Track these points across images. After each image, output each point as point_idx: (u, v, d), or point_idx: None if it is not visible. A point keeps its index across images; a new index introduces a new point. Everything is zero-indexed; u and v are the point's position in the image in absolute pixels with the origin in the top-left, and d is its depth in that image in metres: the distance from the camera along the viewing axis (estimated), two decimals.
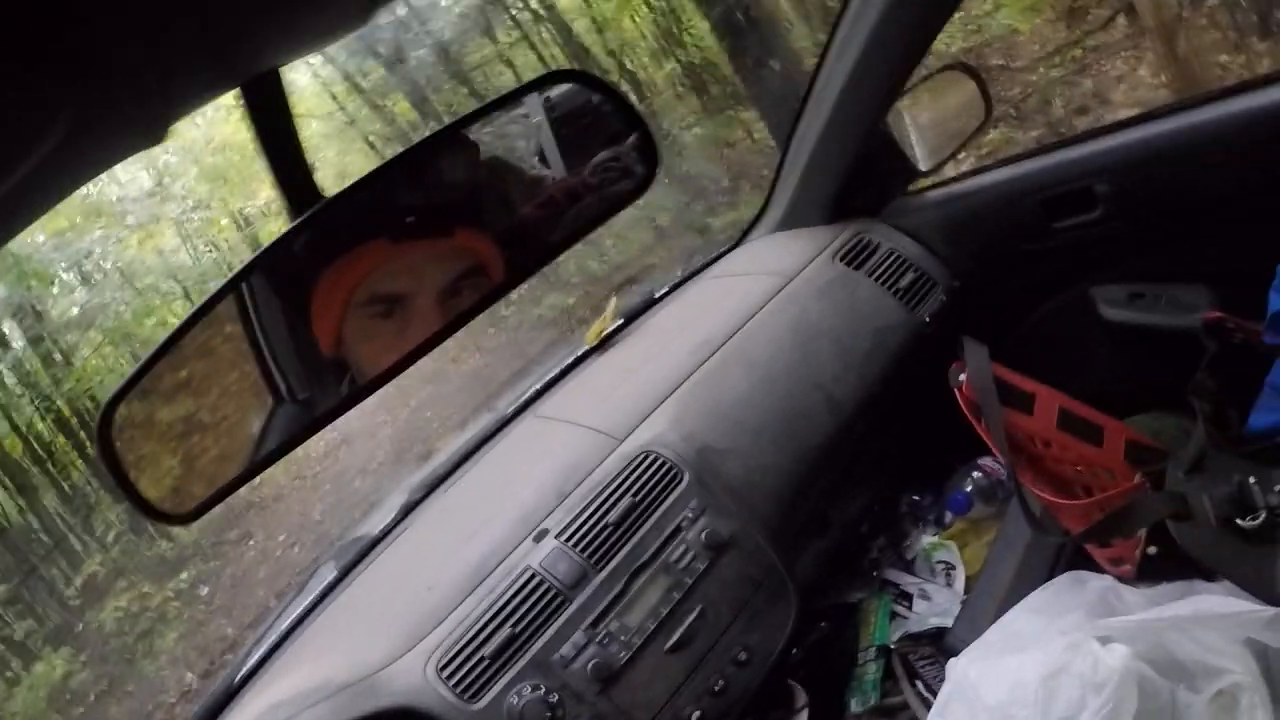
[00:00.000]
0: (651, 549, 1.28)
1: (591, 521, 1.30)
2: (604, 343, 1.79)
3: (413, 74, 9.41)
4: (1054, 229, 1.57)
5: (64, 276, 10.95)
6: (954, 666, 1.22)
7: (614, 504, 1.31)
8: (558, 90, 1.01)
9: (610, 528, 1.29)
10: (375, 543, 1.58)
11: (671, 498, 1.33)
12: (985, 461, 1.64)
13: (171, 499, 0.78)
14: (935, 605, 1.54)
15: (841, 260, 1.66)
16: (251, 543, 8.58)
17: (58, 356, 10.29)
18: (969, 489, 1.62)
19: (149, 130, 0.45)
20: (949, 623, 1.48)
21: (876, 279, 1.64)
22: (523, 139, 0.99)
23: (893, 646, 1.50)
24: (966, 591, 1.53)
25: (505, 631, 1.20)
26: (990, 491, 1.62)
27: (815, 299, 1.59)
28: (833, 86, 1.56)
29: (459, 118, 0.83)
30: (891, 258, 1.67)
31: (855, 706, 1.47)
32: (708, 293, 1.81)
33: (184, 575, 8.42)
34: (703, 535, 1.30)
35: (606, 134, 0.97)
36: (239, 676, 1.44)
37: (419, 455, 7.09)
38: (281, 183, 0.67)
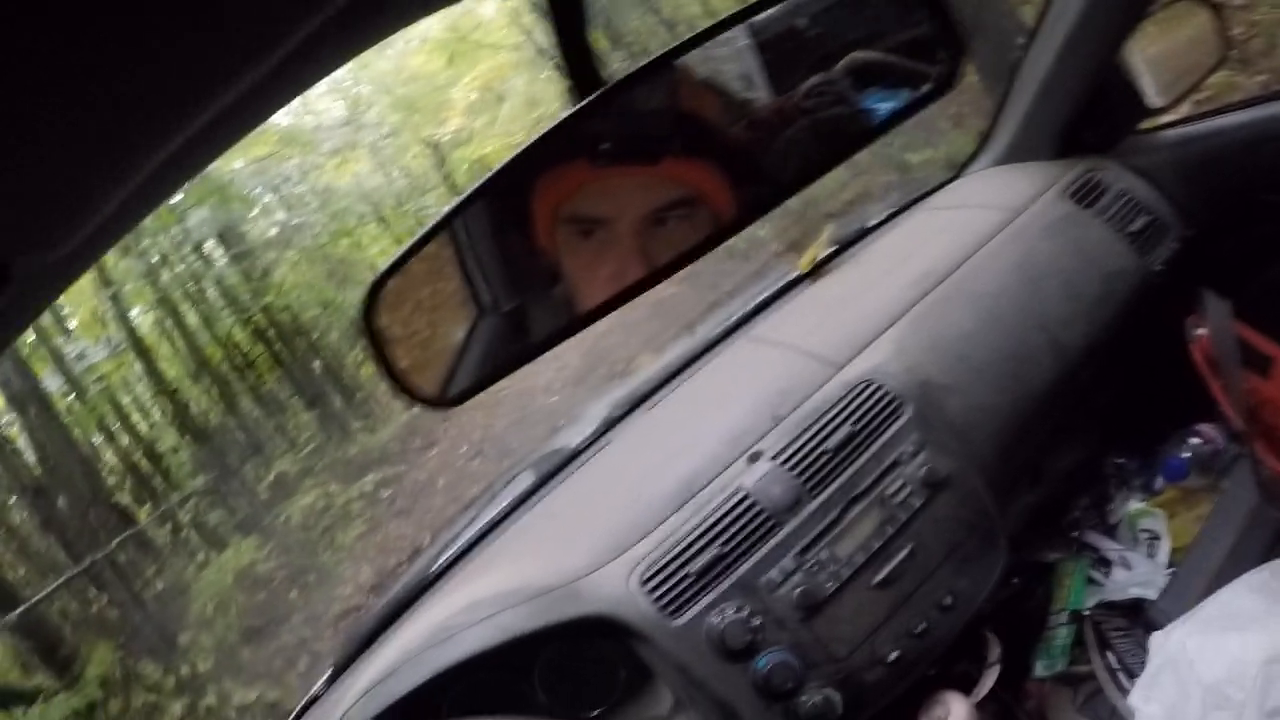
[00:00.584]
0: (868, 480, 1.24)
1: (808, 447, 1.27)
2: (817, 269, 1.75)
3: (604, 2, 9.40)
4: None
5: (264, 200, 11.63)
6: (1167, 637, 1.16)
7: (832, 431, 1.28)
8: (763, 15, 0.98)
9: (827, 455, 1.25)
10: (575, 454, 1.59)
11: (892, 430, 1.28)
12: (1204, 428, 1.54)
13: (429, 384, 0.81)
14: (1136, 575, 1.45)
15: (1071, 198, 1.55)
16: (435, 451, 8.96)
17: (257, 274, 10.98)
18: (1187, 455, 1.52)
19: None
20: (1149, 594, 1.41)
21: (1107, 220, 1.52)
22: (728, 63, 0.96)
23: (1086, 613, 1.44)
24: (1171, 565, 1.44)
25: (713, 550, 1.18)
26: (1208, 461, 1.52)
27: (1043, 237, 1.50)
28: (1067, 15, 1.45)
29: (711, 26, 0.80)
30: (1123, 199, 1.55)
31: (1040, 670, 1.42)
32: (927, 225, 1.73)
33: (368, 478, 8.86)
34: (921, 471, 1.25)
35: (814, 58, 0.94)
36: (432, 572, 1.49)
37: (602, 378, 7.19)
38: (569, 66, 0.68)
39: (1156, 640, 1.18)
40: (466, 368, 0.82)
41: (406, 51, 12.94)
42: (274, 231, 11.39)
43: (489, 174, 0.76)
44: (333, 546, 7.80)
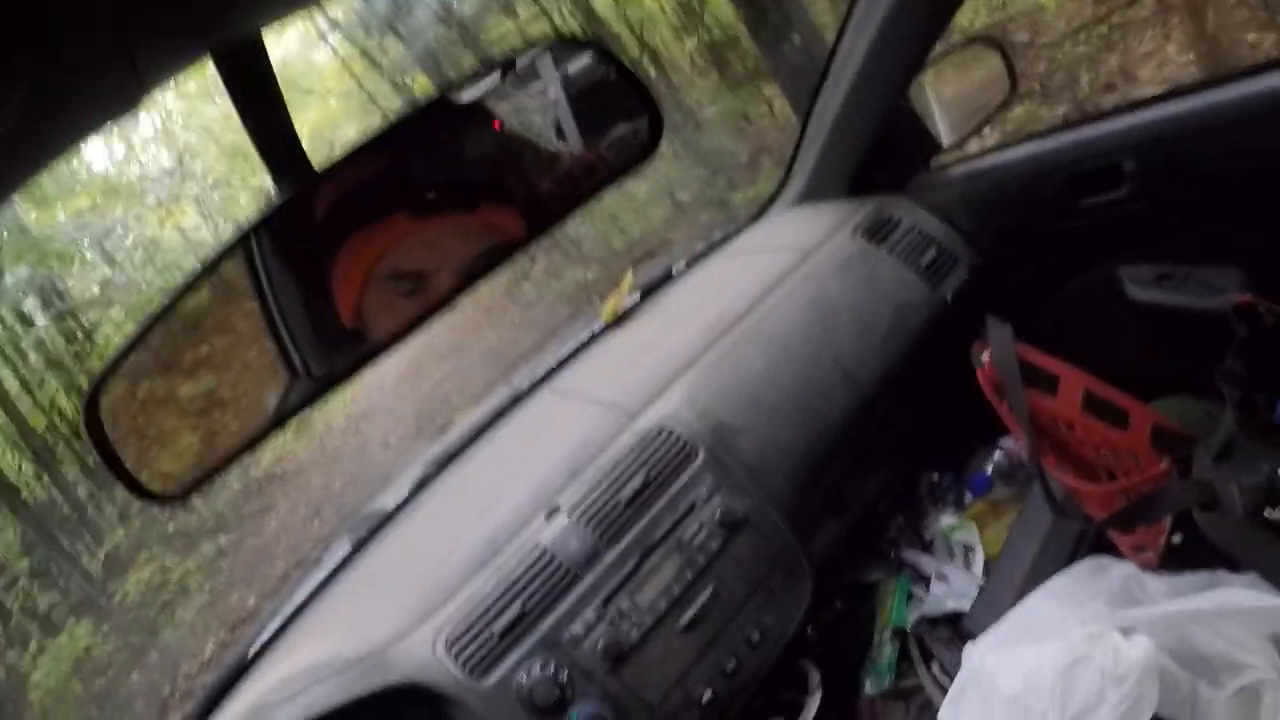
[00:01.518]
0: (665, 527, 1.26)
1: (604, 498, 1.28)
2: (620, 319, 1.77)
3: (432, 50, 9.38)
4: (1081, 207, 1.53)
5: (86, 255, 11.04)
6: (970, 653, 1.20)
7: (627, 481, 1.29)
8: (575, 66, 0.99)
9: (623, 505, 1.27)
10: (389, 517, 1.57)
11: (685, 475, 1.31)
12: (1007, 442, 1.61)
13: (160, 479, 0.76)
14: (953, 588, 1.50)
15: (862, 236, 1.62)
16: (273, 515, 8.69)
17: (80, 334, 10.39)
18: (989, 470, 1.59)
19: (118, 99, 0.43)
20: (967, 606, 1.45)
21: (898, 255, 1.60)
22: (540, 114, 0.97)
23: (909, 629, 1.48)
24: (985, 574, 1.50)
25: (515, 608, 1.18)
26: (1011, 473, 1.59)
27: (835, 275, 1.56)
28: (854, 58, 1.52)
29: (457, 80, 0.80)
30: (913, 233, 1.63)
31: (870, 689, 1.45)
32: (725, 268, 1.78)
33: (205, 548, 8.55)
34: (717, 513, 1.27)
35: (622, 108, 0.95)
36: (253, 649, 1.44)
37: (439, 428, 7.11)
38: (263, 151, 0.65)
39: (965, 653, 1.23)
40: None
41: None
42: (97, 289, 10.76)
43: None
44: (173, 622, 7.49)
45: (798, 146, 1.76)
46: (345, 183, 0.74)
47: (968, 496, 1.62)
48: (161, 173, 11.74)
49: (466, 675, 1.14)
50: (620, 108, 0.95)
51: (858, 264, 1.58)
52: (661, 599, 1.22)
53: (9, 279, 9.22)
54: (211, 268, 0.75)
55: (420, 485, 1.60)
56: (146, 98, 0.42)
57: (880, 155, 1.68)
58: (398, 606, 1.26)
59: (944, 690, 1.39)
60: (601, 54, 0.97)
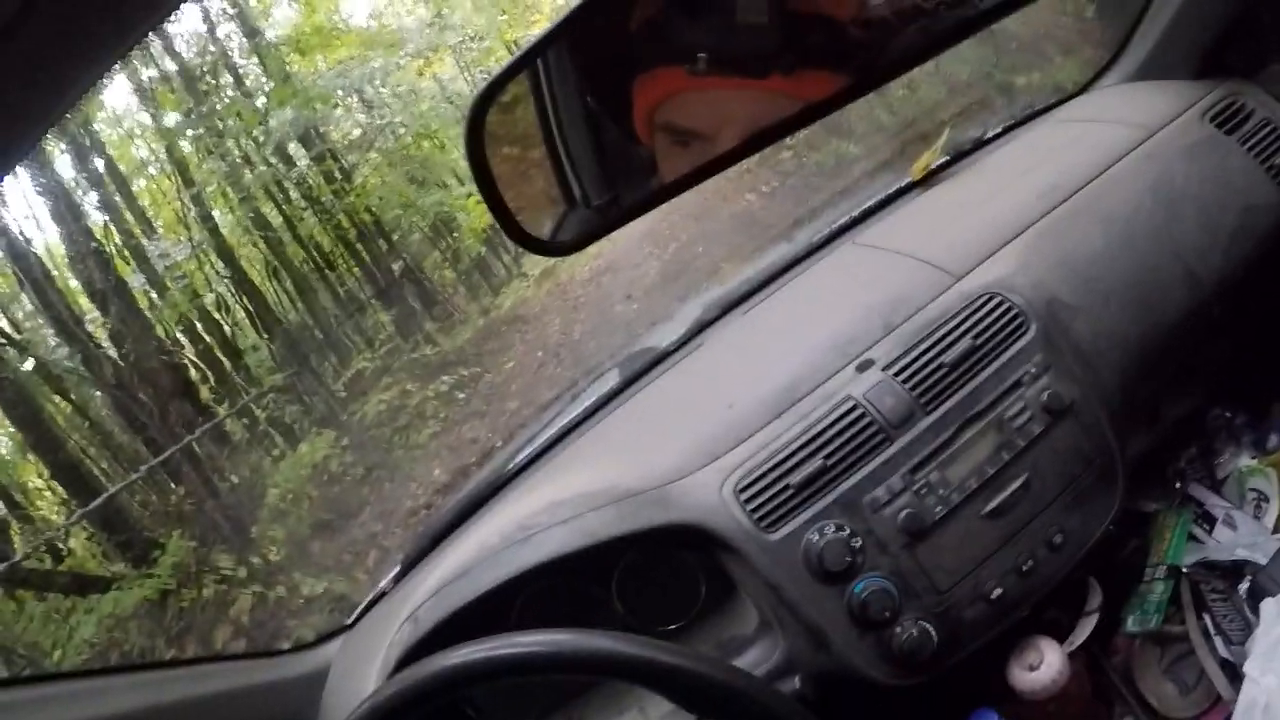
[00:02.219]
0: (987, 400, 1.16)
1: (924, 358, 1.19)
2: (930, 177, 1.65)
3: None
4: None
5: (346, 101, 11.67)
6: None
7: (951, 343, 1.19)
8: None
9: (945, 368, 1.17)
10: (665, 355, 1.53)
11: (1015, 347, 1.20)
12: None
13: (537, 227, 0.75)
14: (1241, 536, 1.37)
15: (1211, 122, 1.43)
16: (510, 355, 9.00)
17: (338, 175, 11.07)
18: None
19: None
20: (1255, 558, 1.31)
21: (1249, 149, 1.41)
22: None
23: (1185, 570, 1.35)
24: (1278, 530, 1.35)
25: (816, 462, 1.12)
26: None
27: (1180, 160, 1.39)
28: None
29: None
30: (1267, 129, 1.43)
31: (1132, 625, 1.34)
32: (1053, 137, 1.61)
33: (444, 379, 8.92)
34: (1044, 395, 1.16)
35: None
36: (510, 468, 1.46)
37: (684, 287, 7.11)
38: None
39: (1273, 608, 1.11)
40: (572, 219, 0.77)
41: None
42: (356, 133, 11.42)
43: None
44: (406, 445, 7.91)
45: (1137, 18, 1.58)
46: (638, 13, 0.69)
47: (1272, 440, 1.46)
48: (419, 24, 12.16)
49: (754, 525, 1.10)
50: None
51: (1206, 152, 1.40)
52: (972, 478, 1.13)
53: (273, 121, 9.86)
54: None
55: (701, 326, 1.55)
56: None
57: (1237, 36, 1.48)
58: (683, 444, 1.22)
59: (1209, 643, 1.28)
60: None
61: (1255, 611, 1.18)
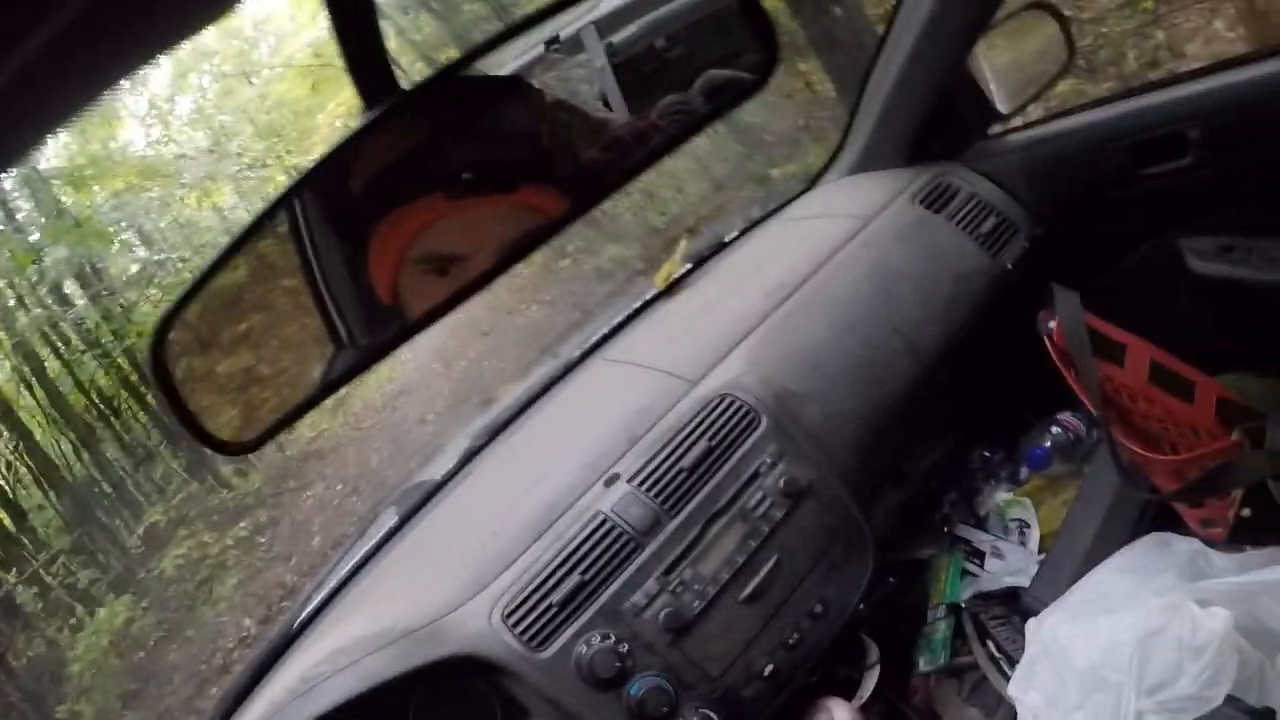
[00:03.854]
0: (728, 495, 1.23)
1: (665, 465, 1.25)
2: (672, 287, 1.74)
3: (466, 26, 9.35)
4: (1142, 175, 1.48)
5: (124, 236, 11.16)
6: (1040, 626, 1.17)
7: (689, 448, 1.26)
8: (620, 35, 0.97)
9: (685, 472, 1.24)
10: (438, 488, 1.55)
11: (749, 442, 1.28)
12: (1064, 417, 1.58)
13: (228, 429, 0.75)
14: (1009, 564, 1.48)
15: (921, 203, 1.59)
16: (310, 492, 8.74)
17: (118, 314, 10.52)
18: (1048, 444, 1.56)
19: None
20: (1023, 582, 1.43)
21: (957, 223, 1.56)
22: (585, 84, 0.95)
23: (963, 605, 1.45)
24: (1041, 550, 1.47)
25: (574, 578, 1.16)
26: (1069, 448, 1.56)
27: (895, 242, 1.53)
28: (914, 23, 1.49)
29: (497, 32, 0.77)
30: (972, 202, 1.60)
31: (924, 665, 1.43)
32: (781, 236, 1.75)
33: (243, 524, 8.61)
34: (780, 481, 1.25)
35: (670, 78, 0.93)
36: (298, 622, 1.43)
37: (476, 405, 7.12)
38: (354, 74, 0.63)
39: (1030, 628, 1.20)
40: (267, 407, 0.76)
41: (270, 78, 12.58)
42: (135, 269, 10.89)
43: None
44: (211, 599, 7.56)
45: (853, 114, 1.73)
46: (381, 158, 0.72)
47: (1023, 472, 1.59)
48: (198, 152, 11.84)
49: (525, 646, 1.13)
50: (671, 78, 0.93)
51: (917, 232, 1.55)
52: (724, 569, 1.19)
53: (47, 260, 9.33)
54: (275, 208, 0.73)
55: (469, 456, 1.58)
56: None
57: (938, 123, 1.65)
58: (452, 577, 1.24)
59: (998, 667, 1.37)
60: None
61: None
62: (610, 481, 1.27)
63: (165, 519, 9.32)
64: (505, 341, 7.71)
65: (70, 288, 10.23)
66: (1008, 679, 1.34)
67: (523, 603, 1.16)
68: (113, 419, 10.29)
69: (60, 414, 9.83)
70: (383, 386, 9.85)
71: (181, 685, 6.30)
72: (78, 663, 7.22)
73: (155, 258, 11.18)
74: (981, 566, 1.50)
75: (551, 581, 1.16)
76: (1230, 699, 0.97)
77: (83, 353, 10.29)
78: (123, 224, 10.94)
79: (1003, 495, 1.57)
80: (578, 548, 1.19)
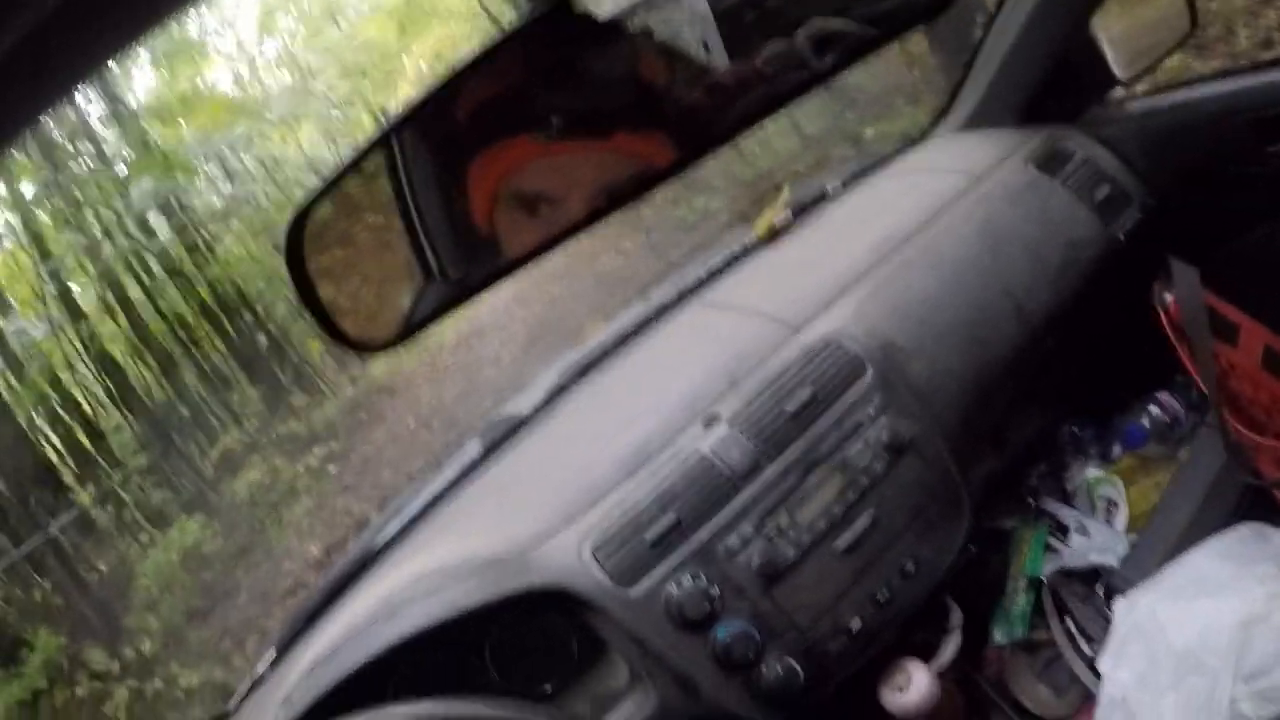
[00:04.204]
0: (829, 444, 1.22)
1: (767, 409, 1.24)
2: (774, 234, 1.71)
3: None
4: (1266, 153, 1.42)
5: (209, 170, 11.40)
6: (1134, 603, 1.15)
7: (791, 394, 1.24)
8: None
9: (787, 417, 1.22)
10: (524, 422, 1.55)
11: (853, 392, 1.25)
12: (1163, 397, 1.54)
13: (360, 326, 0.76)
14: (1094, 542, 1.44)
15: (1035, 165, 1.54)
16: (382, 425, 8.88)
17: (201, 246, 10.76)
18: (1146, 423, 1.52)
19: None
20: (1108, 561, 1.40)
21: (1071, 188, 1.52)
22: (687, 28, 0.93)
23: (1044, 579, 1.43)
24: (1129, 532, 1.44)
25: (669, 517, 1.15)
26: (1166, 430, 1.53)
27: (1007, 203, 1.49)
28: None
29: None
30: (1087, 167, 1.55)
31: (1000, 637, 1.41)
32: (888, 189, 1.72)
33: (314, 453, 8.75)
34: (883, 435, 1.23)
35: (773, 26, 0.90)
36: (376, 546, 1.44)
37: (552, 348, 7.13)
38: None
39: (1122, 607, 1.18)
40: (401, 309, 0.78)
41: (358, 19, 12.69)
42: (218, 203, 11.15)
43: (425, 101, 0.71)
44: (279, 523, 7.69)
45: (966, 70, 1.69)
46: (480, 93, 0.71)
47: (1115, 450, 1.56)
48: (284, 91, 12.02)
49: (613, 583, 1.12)
50: (774, 25, 0.90)
51: (1030, 194, 1.51)
52: (821, 519, 1.18)
53: (133, 192, 9.55)
54: (402, 123, 0.73)
55: (558, 391, 1.58)
56: None
57: (1054, 85, 1.60)
58: (540, 509, 1.24)
59: (1075, 645, 1.35)
60: None
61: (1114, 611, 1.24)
62: (710, 422, 1.25)
63: (239, 444, 9.51)
64: (583, 287, 7.68)
65: (155, 220, 10.49)
66: (1084, 658, 1.33)
67: (614, 538, 1.15)
68: (192, 347, 10.59)
69: (142, 340, 10.13)
70: (458, 326, 9.83)
71: (247, 605, 6.45)
72: (146, 577, 7.40)
73: (239, 193, 11.40)
74: (1065, 542, 1.47)
75: (645, 518, 1.16)
76: None
77: (166, 282, 10.57)
78: (208, 159, 11.17)
79: (1093, 472, 1.54)
80: (674, 486, 1.18)
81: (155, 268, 10.52)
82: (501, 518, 1.31)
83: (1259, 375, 1.34)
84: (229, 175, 11.91)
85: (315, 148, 12.95)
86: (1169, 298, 1.31)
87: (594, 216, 0.74)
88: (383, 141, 0.74)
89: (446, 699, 0.83)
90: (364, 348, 0.75)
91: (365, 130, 13.16)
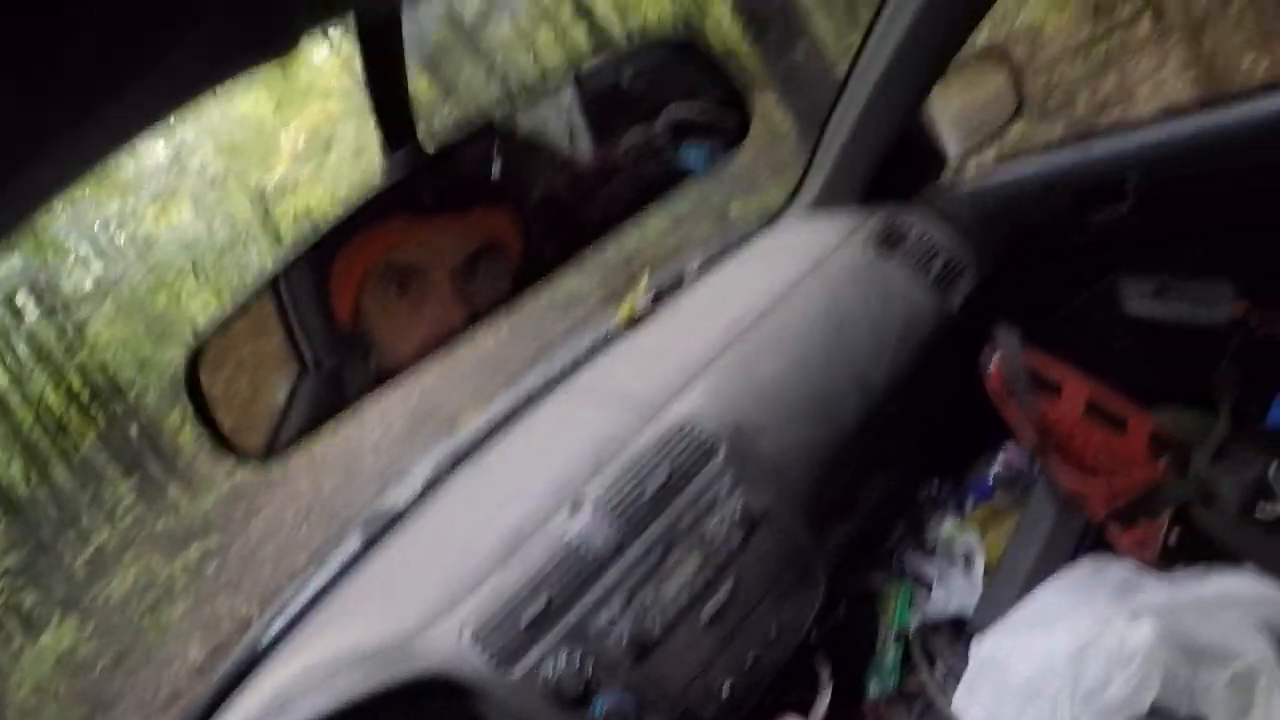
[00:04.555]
0: (687, 521, 1.28)
1: (628, 493, 1.30)
2: (635, 320, 1.79)
3: (431, 53, 9.36)
4: (1086, 221, 1.56)
5: (80, 249, 10.94)
6: (980, 645, 1.23)
7: (650, 476, 1.31)
8: (586, 67, 1.01)
9: (647, 499, 1.29)
10: (401, 514, 1.57)
11: (707, 471, 1.33)
12: (1008, 451, 1.64)
13: (252, 441, 0.79)
14: (954, 592, 1.53)
15: (874, 245, 1.65)
16: (260, 519, 8.59)
17: (71, 329, 10.28)
18: (991, 477, 1.62)
19: (277, 41, 0.43)
20: (968, 609, 1.48)
21: (908, 264, 1.63)
22: (552, 117, 0.98)
23: (912, 632, 1.50)
24: (986, 578, 1.53)
25: (542, 600, 1.19)
26: (1012, 480, 1.62)
27: (848, 282, 1.59)
28: (874, 69, 1.55)
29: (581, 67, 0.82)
30: (923, 243, 1.66)
31: (874, 690, 1.47)
32: (740, 273, 1.81)
33: (192, 549, 8.42)
34: (737, 510, 1.30)
35: (636, 115, 0.97)
36: (262, 644, 1.43)
37: (431, 435, 7.04)
38: (382, 122, 0.67)
39: (974, 648, 1.26)
40: (290, 423, 0.81)
41: (234, 94, 12.46)
42: (89, 284, 10.68)
43: (312, 237, 0.76)
44: (158, 625, 7.37)
45: (813, 153, 1.79)
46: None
47: (968, 503, 1.65)
48: (157, 167, 11.68)
49: (493, 666, 1.15)
50: (638, 114, 0.96)
51: (870, 272, 1.62)
52: (684, 592, 1.24)
53: (2, 269, 9.12)
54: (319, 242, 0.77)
55: (433, 482, 1.61)
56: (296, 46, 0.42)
57: (893, 165, 1.71)
58: (421, 598, 1.26)
59: (946, 691, 1.42)
60: (685, 48, 0.98)
61: None
62: (575, 507, 1.31)
63: (112, 542, 9.08)
64: (460, 372, 7.64)
65: (22, 300, 9.99)
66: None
67: (492, 623, 1.18)
68: (61, 437, 10.04)
69: (9, 430, 9.58)
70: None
71: (126, 714, 6.16)
72: (23, 687, 7.04)
73: (110, 274, 10.96)
74: (929, 595, 1.55)
75: (520, 602, 1.19)
76: (1157, 707, 1.03)
77: (33, 368, 10.04)
78: (78, 237, 10.73)
79: (948, 526, 1.62)
80: (545, 570, 1.22)
81: (23, 351, 9.99)
82: (383, 608, 1.33)
83: (1083, 425, 1.45)
84: (100, 254, 11.43)
85: (189, 228, 12.57)
86: (994, 360, 1.43)
87: (472, 320, 0.79)
88: (275, 275, 0.78)
89: None
90: (248, 456, 0.78)
91: (241, 209, 12.89)
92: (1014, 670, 1.15)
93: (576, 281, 7.28)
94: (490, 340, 7.86)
